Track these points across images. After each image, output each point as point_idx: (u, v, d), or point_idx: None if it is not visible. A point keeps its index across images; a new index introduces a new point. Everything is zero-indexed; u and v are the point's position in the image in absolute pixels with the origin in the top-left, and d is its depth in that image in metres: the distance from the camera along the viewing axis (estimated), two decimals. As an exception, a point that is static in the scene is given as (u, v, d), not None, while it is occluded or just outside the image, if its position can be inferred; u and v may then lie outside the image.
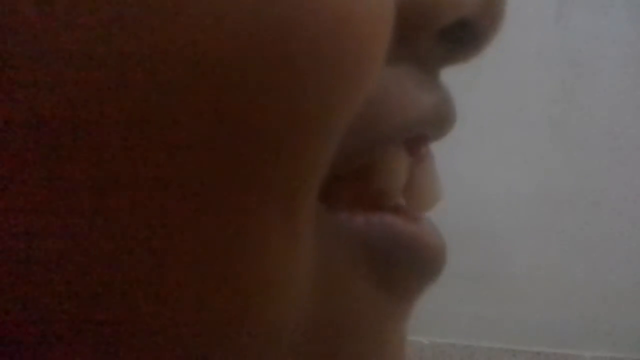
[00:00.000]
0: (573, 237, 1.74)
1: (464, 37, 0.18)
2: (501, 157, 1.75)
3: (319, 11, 0.13)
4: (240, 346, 0.15)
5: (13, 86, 0.12)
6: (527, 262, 1.74)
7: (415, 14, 0.16)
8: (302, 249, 0.15)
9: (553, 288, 1.73)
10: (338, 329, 0.16)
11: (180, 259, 0.13)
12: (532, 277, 1.73)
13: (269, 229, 0.14)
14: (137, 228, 0.13)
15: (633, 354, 1.70)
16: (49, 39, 0.12)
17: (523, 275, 1.73)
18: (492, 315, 1.74)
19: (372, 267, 0.17)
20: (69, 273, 0.13)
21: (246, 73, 0.13)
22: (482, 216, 1.73)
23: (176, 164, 0.13)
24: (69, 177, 0.12)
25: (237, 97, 0.13)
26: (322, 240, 0.16)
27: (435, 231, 0.18)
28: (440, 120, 0.18)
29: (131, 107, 0.12)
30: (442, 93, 0.18)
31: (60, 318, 0.13)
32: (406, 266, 0.17)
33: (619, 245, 1.73)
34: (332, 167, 0.15)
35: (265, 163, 0.14)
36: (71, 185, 0.12)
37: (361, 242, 0.16)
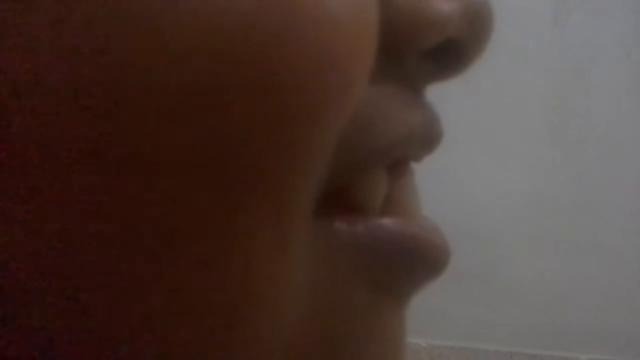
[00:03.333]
0: (570, 241, 1.74)
1: (450, 55, 0.17)
2: (499, 160, 1.75)
3: (300, 36, 0.13)
4: None
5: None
6: (524, 265, 1.74)
7: (400, 34, 0.16)
8: (294, 263, 0.15)
9: (550, 291, 1.74)
10: (338, 339, 0.16)
11: (164, 274, 0.14)
12: (528, 280, 1.74)
13: (257, 245, 0.14)
14: (121, 240, 0.13)
15: (628, 357, 1.70)
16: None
17: (520, 278, 1.74)
18: (489, 318, 1.74)
19: (374, 273, 0.16)
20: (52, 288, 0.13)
21: (230, 100, 0.13)
22: (480, 219, 1.73)
23: (162, 181, 0.13)
24: (68, 198, 0.13)
25: (221, 122, 0.13)
26: (319, 253, 0.15)
27: (437, 229, 0.18)
28: (426, 139, 0.18)
29: (116, 130, 0.13)
30: (428, 112, 0.18)
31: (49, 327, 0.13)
32: (409, 267, 0.17)
33: (616, 249, 1.73)
34: (324, 183, 0.15)
35: (251, 183, 0.14)
36: (65, 207, 0.13)
37: (362, 249, 0.16)
